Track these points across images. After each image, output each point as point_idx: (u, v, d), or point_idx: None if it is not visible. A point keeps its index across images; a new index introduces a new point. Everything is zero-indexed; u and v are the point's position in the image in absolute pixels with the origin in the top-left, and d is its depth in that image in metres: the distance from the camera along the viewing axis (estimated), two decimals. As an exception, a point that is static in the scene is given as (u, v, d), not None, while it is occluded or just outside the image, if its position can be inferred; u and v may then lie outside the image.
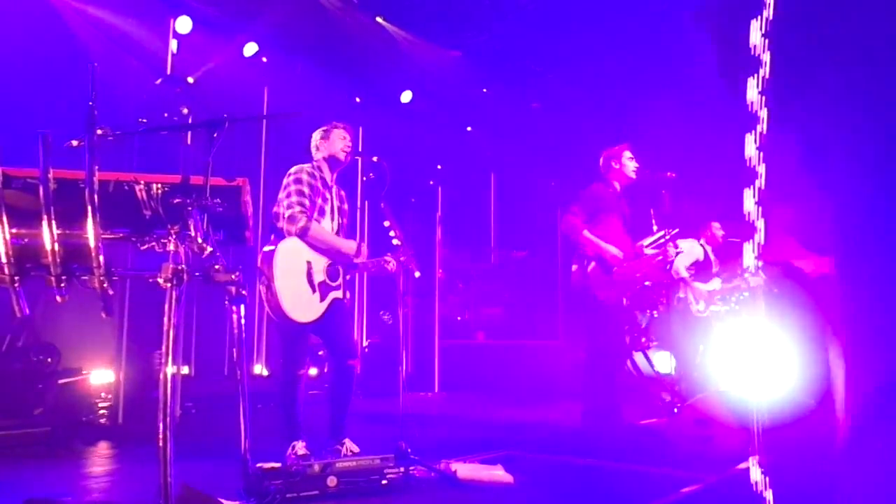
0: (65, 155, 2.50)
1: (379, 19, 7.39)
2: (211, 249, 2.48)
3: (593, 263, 5.01)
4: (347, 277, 4.00)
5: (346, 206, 4.18)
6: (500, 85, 8.58)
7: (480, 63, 8.12)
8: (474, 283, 9.50)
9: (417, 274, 3.87)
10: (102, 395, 5.09)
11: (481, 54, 7.96)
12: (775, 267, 5.86)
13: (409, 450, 3.43)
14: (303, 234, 3.78)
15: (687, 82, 7.42)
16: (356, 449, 3.86)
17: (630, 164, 5.28)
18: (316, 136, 4.12)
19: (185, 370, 6.20)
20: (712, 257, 6.51)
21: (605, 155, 5.35)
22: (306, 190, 3.87)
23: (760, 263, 2.50)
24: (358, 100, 8.07)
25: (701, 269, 6.29)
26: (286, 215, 3.79)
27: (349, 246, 3.97)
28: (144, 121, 2.93)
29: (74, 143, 2.53)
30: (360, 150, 6.22)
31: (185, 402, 5.65)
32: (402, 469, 3.35)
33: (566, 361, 7.94)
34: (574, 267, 5.15)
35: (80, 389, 4.97)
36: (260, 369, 7.02)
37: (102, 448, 4.57)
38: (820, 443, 4.04)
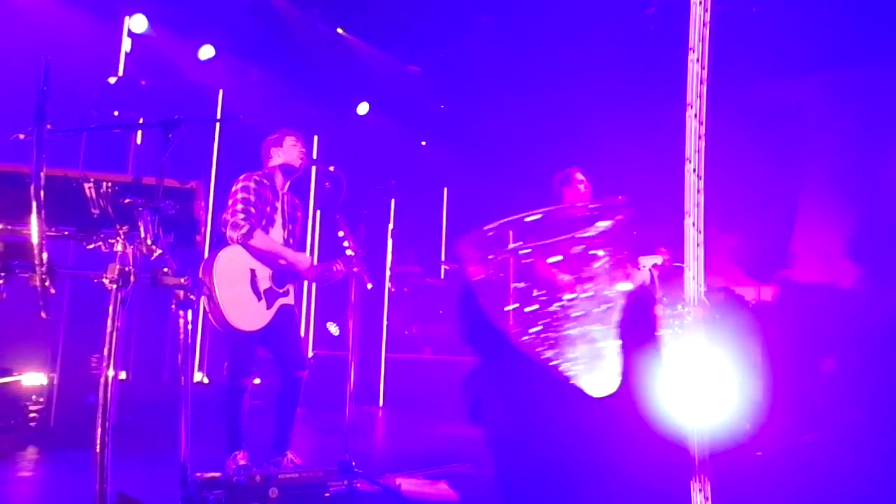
0: (10, 148, 2.42)
1: (339, 31, 7.38)
2: (160, 252, 2.42)
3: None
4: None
5: (299, 214, 4.14)
6: (458, 102, 8.65)
7: (439, 79, 8.17)
8: (423, 297, 9.47)
9: (370, 286, 3.83)
10: (34, 397, 4.90)
11: (441, 71, 8.01)
12: (717, 293, 6.04)
13: (354, 463, 3.40)
14: (244, 242, 3.72)
15: (639, 104, 7.61)
16: (298, 461, 3.80)
17: (580, 186, 5.39)
18: (269, 142, 4.07)
19: (122, 375, 6.02)
20: (657, 282, 6.63)
21: (555, 179, 5.47)
22: (252, 198, 3.82)
23: (702, 295, 2.58)
24: (315, 112, 8.02)
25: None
26: (230, 222, 3.74)
27: (298, 258, 3.90)
28: (96, 114, 2.86)
29: (21, 136, 2.45)
30: (314, 158, 6.17)
31: (121, 408, 5.48)
32: (345, 482, 3.32)
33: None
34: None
35: (10, 392, 4.77)
36: (200, 377, 6.87)
37: (31, 453, 4.39)
38: (756, 463, 4.15)
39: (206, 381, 6.72)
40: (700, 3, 2.60)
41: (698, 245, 2.59)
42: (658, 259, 5.99)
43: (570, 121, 8.23)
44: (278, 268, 3.83)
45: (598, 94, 7.62)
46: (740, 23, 5.92)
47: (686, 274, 2.61)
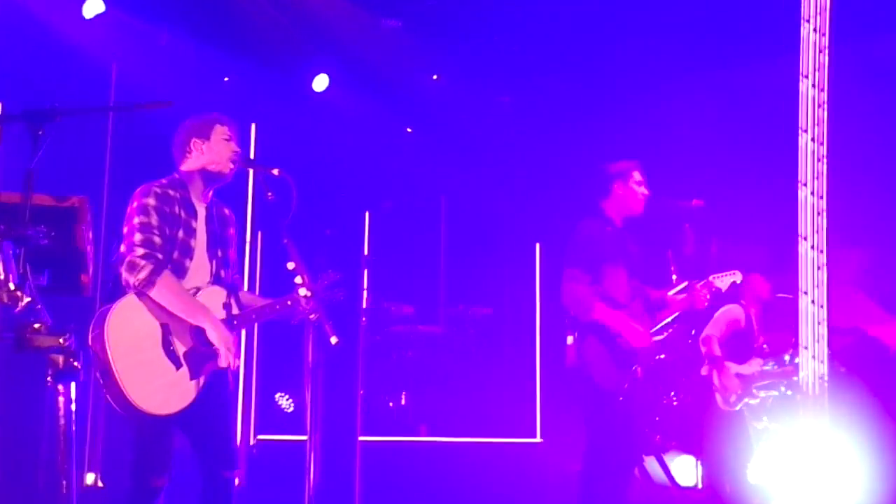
0: None
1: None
2: (29, 300, 2.42)
3: (592, 335, 5.08)
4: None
5: (231, 231, 4.10)
6: (456, 70, 8.66)
7: (428, 38, 8.19)
8: (415, 351, 9.46)
9: (334, 340, 3.82)
10: None
11: (430, 26, 8.02)
12: (844, 336, 6.01)
13: None
14: (146, 288, 3.62)
15: (716, 79, 7.66)
16: None
17: (639, 190, 5.34)
18: (188, 131, 3.97)
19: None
20: (755, 325, 6.60)
21: (608, 172, 5.40)
22: (154, 221, 3.73)
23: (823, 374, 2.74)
24: (251, 91, 8.04)
25: (739, 341, 6.37)
26: (125, 261, 3.64)
27: (210, 318, 3.77)
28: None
29: None
30: (251, 157, 6.17)
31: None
32: None
33: (548, 468, 7.94)
34: (570, 339, 5.21)
35: None
36: (92, 479, 6.84)
37: None
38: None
39: (100, 484, 6.69)
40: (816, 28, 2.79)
41: (819, 323, 2.73)
42: (737, 277, 5.92)
43: (619, 100, 8.30)
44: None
45: (658, 62, 7.71)
46: None
47: (803, 355, 2.71)
